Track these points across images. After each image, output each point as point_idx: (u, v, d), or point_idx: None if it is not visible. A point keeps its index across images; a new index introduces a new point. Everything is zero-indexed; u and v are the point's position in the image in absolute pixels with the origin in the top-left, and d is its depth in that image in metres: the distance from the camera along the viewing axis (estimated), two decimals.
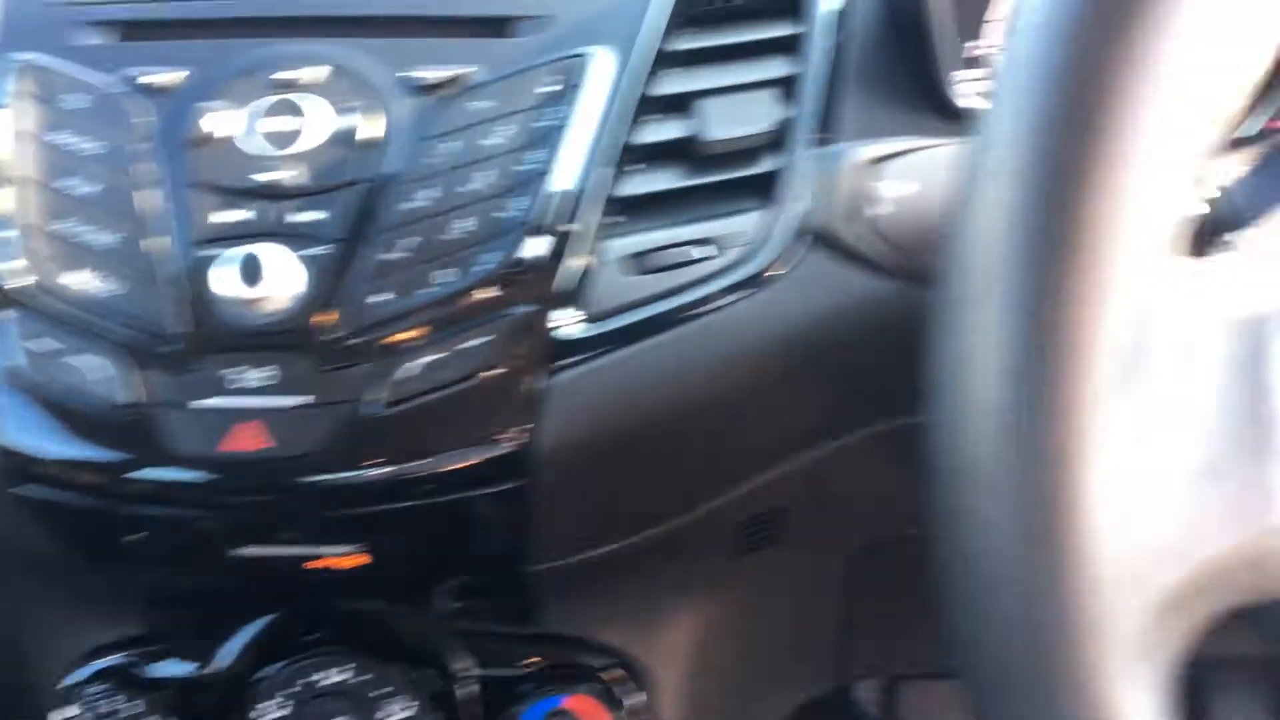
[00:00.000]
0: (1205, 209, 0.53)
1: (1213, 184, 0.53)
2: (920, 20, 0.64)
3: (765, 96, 0.65)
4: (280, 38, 0.62)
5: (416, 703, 0.68)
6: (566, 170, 0.59)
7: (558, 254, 0.59)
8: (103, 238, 0.57)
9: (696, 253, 0.61)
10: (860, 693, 1.18)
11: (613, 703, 0.72)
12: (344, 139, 0.59)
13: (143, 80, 0.60)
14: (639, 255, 0.61)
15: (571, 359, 0.59)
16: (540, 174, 0.59)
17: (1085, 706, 0.34)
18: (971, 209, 0.35)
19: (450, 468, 0.58)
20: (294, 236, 0.57)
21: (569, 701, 0.71)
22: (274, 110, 0.59)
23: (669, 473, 0.64)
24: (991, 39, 0.65)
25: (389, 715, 0.68)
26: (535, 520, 0.62)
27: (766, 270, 0.60)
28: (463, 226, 0.58)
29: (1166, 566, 0.34)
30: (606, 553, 0.68)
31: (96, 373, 0.56)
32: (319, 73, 0.60)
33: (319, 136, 0.59)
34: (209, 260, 0.56)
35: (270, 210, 0.58)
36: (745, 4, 0.66)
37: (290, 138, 0.59)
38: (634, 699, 0.73)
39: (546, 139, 0.60)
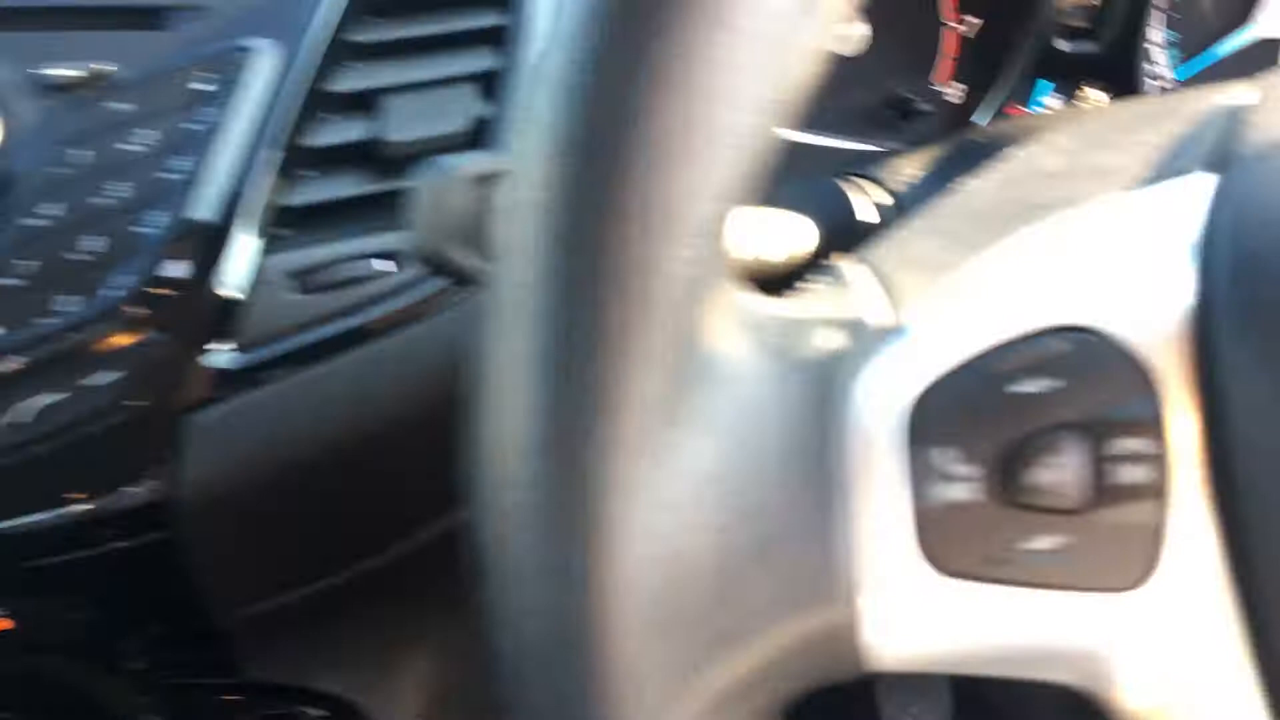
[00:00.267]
0: (877, 217, 0.49)
1: (892, 188, 0.49)
2: None
3: (462, 93, 0.59)
4: None
5: None
6: (217, 178, 0.53)
7: (203, 274, 0.52)
8: None
9: (378, 267, 0.55)
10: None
11: None
12: None
13: None
14: (304, 272, 0.54)
15: (219, 394, 0.52)
16: (185, 183, 0.52)
17: None
18: (501, 251, 0.30)
19: (75, 519, 0.51)
20: None
21: None
22: None
23: (343, 514, 0.58)
24: None
25: None
26: (199, 569, 0.56)
27: (447, 289, 0.55)
28: (91, 245, 0.51)
29: (714, 659, 0.29)
30: (307, 596, 0.61)
31: None
32: None
33: None
34: None
35: None
36: None
37: None
38: None
39: (195, 143, 0.53)
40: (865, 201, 0.52)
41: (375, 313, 0.54)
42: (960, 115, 0.82)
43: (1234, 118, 0.36)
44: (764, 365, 0.31)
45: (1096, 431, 0.30)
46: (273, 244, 0.54)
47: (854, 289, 0.34)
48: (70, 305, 0.50)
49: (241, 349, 0.53)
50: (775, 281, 0.46)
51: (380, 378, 0.54)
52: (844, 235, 0.49)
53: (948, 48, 0.82)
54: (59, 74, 0.54)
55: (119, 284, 0.51)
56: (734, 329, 0.30)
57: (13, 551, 0.52)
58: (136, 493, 0.51)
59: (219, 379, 0.52)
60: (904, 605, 0.30)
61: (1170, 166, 0.36)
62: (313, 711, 0.67)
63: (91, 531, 0.52)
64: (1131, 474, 0.30)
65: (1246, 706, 0.30)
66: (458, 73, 0.59)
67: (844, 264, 0.35)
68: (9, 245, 0.51)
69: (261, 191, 0.54)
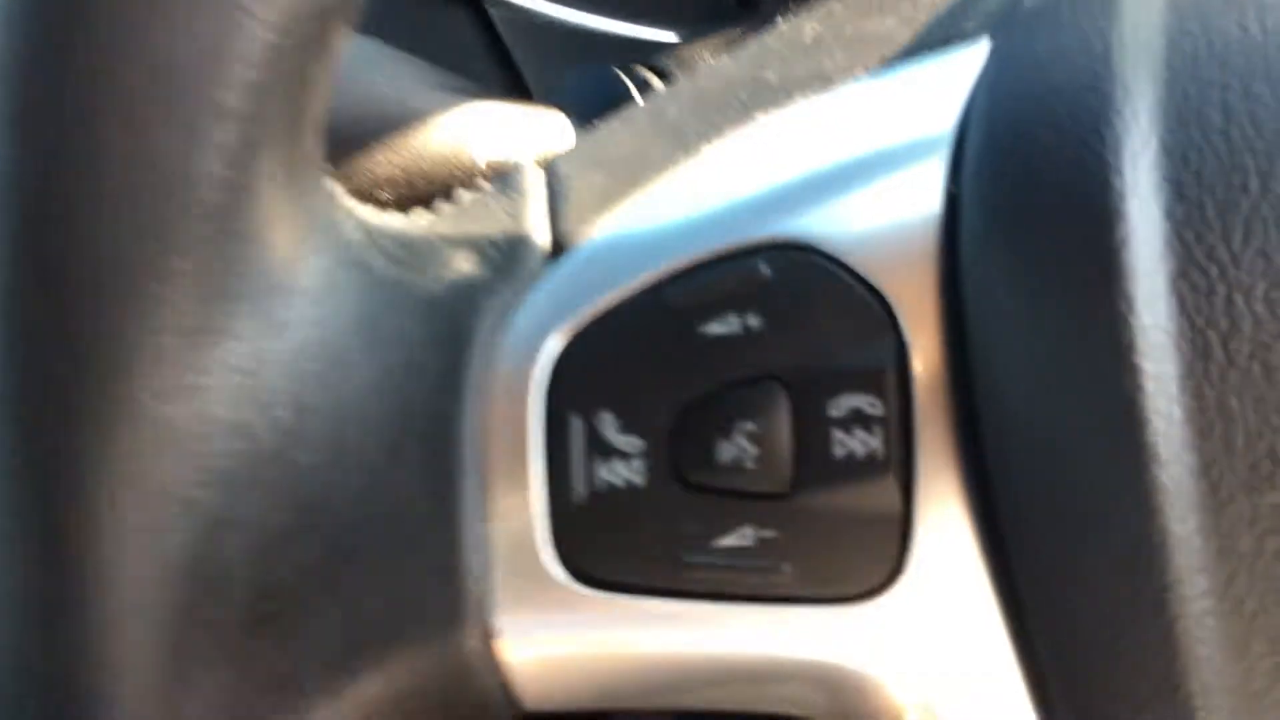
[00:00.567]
0: None
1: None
2: None
3: None
4: None
5: None
6: None
7: None
8: None
9: None
10: None
11: None
12: None
13: None
14: None
15: None
16: None
17: None
18: None
19: None
20: None
21: None
22: None
23: None
24: None
25: None
26: None
27: None
28: None
29: (286, 703, 0.21)
30: None
31: None
32: None
33: None
34: None
35: None
36: None
37: None
38: None
39: None
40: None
41: None
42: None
43: None
44: (373, 303, 0.23)
45: (810, 386, 0.22)
46: None
47: (522, 202, 0.25)
48: None
49: None
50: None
51: None
52: None
53: None
54: None
55: None
56: (328, 250, 0.22)
57: None
58: None
59: None
60: (545, 629, 0.22)
61: (945, 31, 0.27)
62: None
63: None
64: (859, 443, 0.22)
65: (1019, 707, 0.22)
66: None
67: (521, 168, 0.26)
68: None
69: None
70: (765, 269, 0.22)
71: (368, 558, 0.21)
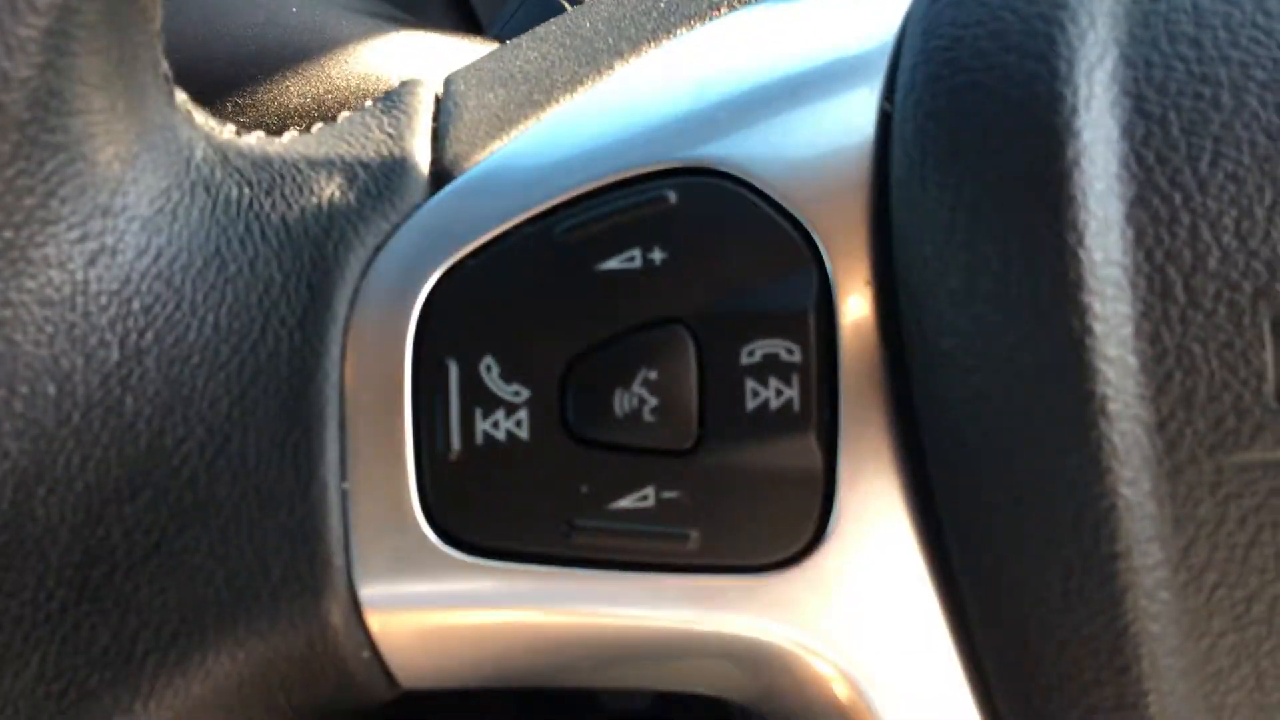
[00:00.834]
0: None
1: None
2: None
3: None
4: None
5: None
6: None
7: None
8: None
9: None
10: None
11: None
12: None
13: None
14: None
15: None
16: None
17: None
18: None
19: None
20: None
21: None
22: None
23: None
24: None
25: None
26: None
27: None
28: None
29: (121, 679, 0.19)
30: None
31: None
32: None
33: None
34: None
35: None
36: None
37: None
38: None
39: None
40: None
41: None
42: None
43: None
44: (221, 232, 0.20)
45: (719, 330, 0.19)
46: None
47: (405, 122, 0.22)
48: None
49: None
50: None
51: None
52: None
53: None
54: None
55: None
56: (167, 170, 0.19)
57: None
58: None
59: None
60: (418, 600, 0.20)
61: None
62: None
63: None
64: (774, 393, 0.19)
65: (954, 681, 0.20)
66: None
67: (411, 84, 0.23)
68: None
69: None
70: (672, 197, 0.20)
71: (210, 519, 0.19)
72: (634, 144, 0.20)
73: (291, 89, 0.33)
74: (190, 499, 0.19)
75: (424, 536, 0.19)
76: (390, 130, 0.21)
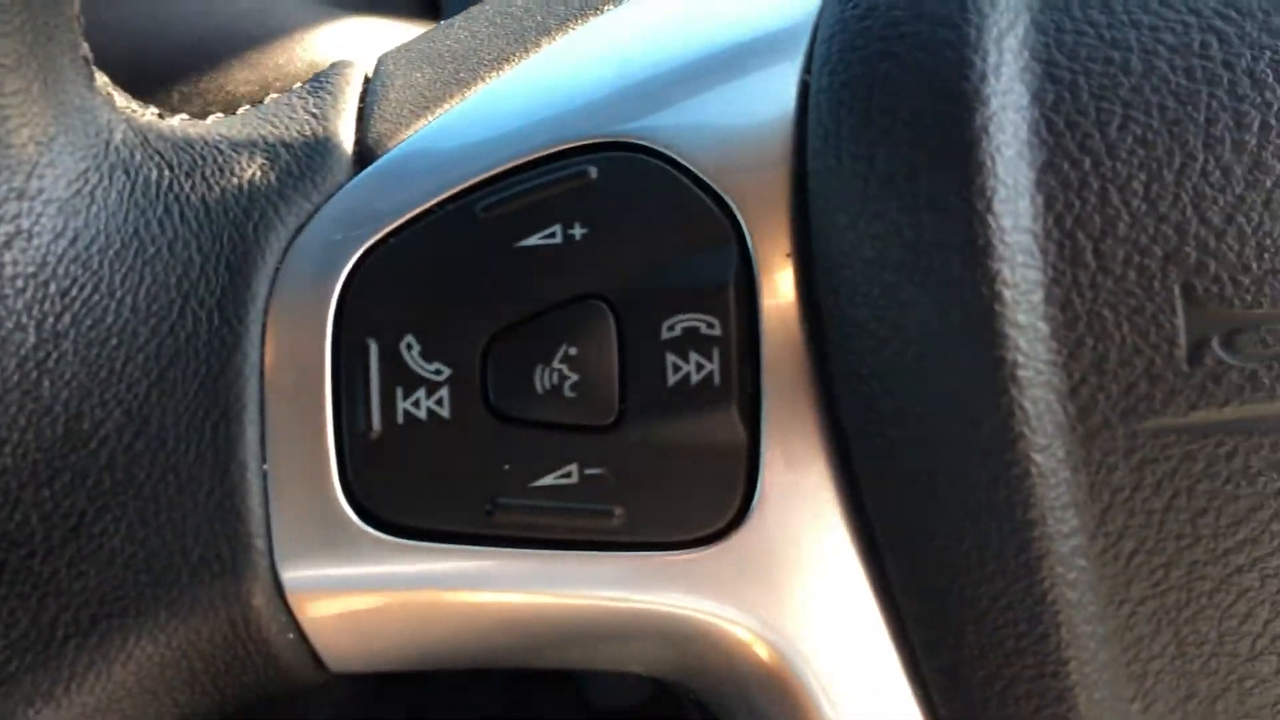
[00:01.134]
0: None
1: None
2: None
3: None
4: None
5: None
6: None
7: None
8: None
9: None
10: None
11: None
12: None
13: None
14: None
15: None
16: None
17: None
18: None
19: None
20: None
21: None
22: None
23: None
24: None
25: None
26: None
27: None
28: None
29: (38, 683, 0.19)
30: None
31: None
32: None
33: None
34: None
35: None
36: None
37: None
38: None
39: None
40: None
41: None
42: None
43: None
44: (139, 213, 0.20)
45: (639, 305, 0.19)
46: None
47: (331, 102, 0.22)
48: None
49: None
50: None
51: None
52: None
53: None
54: None
55: None
56: (84, 152, 0.19)
57: None
58: None
59: None
60: (341, 581, 0.19)
61: None
62: None
63: None
64: (695, 368, 0.19)
65: (882, 651, 0.20)
66: None
67: (340, 66, 0.23)
68: None
69: None
70: (593, 172, 0.19)
71: (129, 501, 0.19)
72: (556, 120, 0.20)
73: (238, 76, 0.33)
74: (109, 481, 0.19)
75: (345, 517, 0.19)
76: (315, 110, 0.21)
